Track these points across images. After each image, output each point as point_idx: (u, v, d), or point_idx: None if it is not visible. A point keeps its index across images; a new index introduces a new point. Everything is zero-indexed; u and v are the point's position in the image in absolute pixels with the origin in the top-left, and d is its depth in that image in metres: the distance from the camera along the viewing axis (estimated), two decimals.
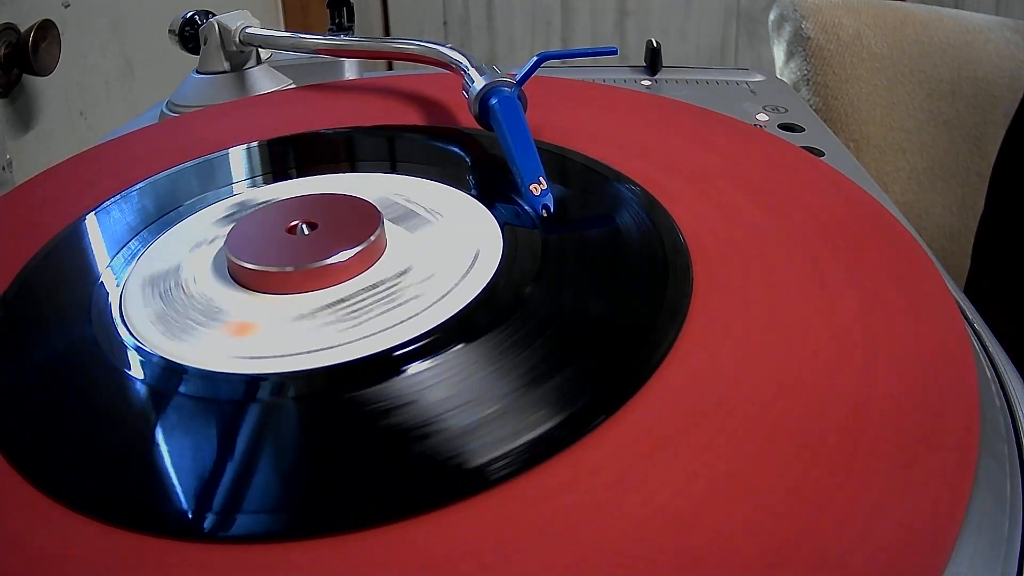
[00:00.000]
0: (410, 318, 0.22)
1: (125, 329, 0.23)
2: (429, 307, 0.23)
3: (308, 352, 0.22)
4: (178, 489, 0.18)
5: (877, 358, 0.20)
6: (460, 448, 0.18)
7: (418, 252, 0.26)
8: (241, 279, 0.25)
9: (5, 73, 0.56)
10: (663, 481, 0.17)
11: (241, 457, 0.19)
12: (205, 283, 0.25)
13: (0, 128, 0.56)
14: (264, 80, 0.45)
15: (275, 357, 0.22)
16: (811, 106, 0.67)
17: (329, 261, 0.24)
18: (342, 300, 0.24)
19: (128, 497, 0.18)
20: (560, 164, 0.30)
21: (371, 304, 0.23)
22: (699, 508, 0.17)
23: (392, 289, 0.24)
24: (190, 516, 0.17)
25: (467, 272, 0.24)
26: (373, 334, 0.22)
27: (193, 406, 0.21)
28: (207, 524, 0.17)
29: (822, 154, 0.39)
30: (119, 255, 0.27)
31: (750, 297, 0.23)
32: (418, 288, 0.24)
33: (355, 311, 0.23)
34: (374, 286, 0.24)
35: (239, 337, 0.22)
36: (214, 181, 0.32)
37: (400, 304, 0.23)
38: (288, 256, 0.25)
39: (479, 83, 0.32)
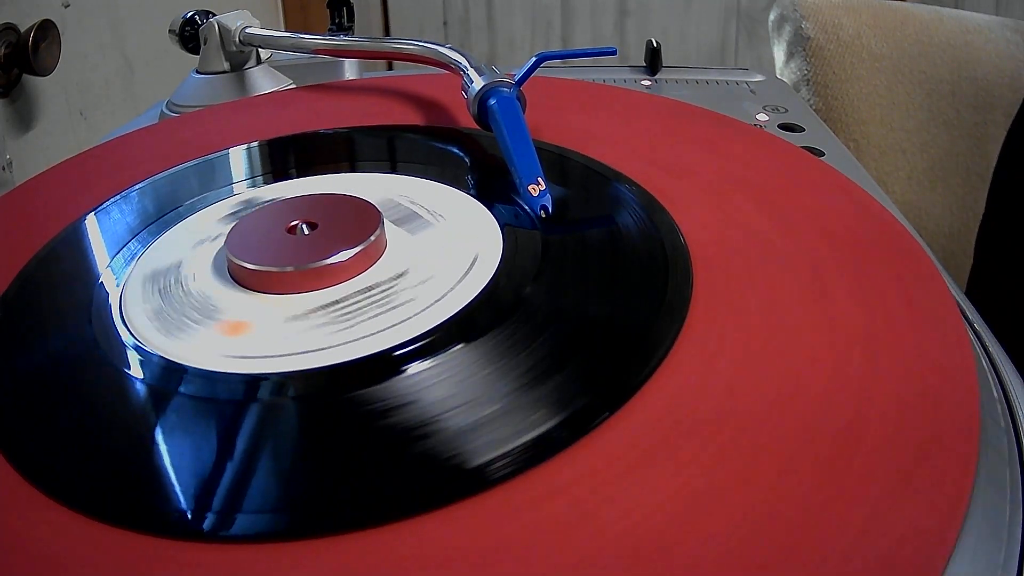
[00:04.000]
0: (416, 315, 0.23)
1: (125, 329, 0.23)
2: (435, 303, 0.23)
3: (314, 351, 0.22)
4: (177, 489, 0.18)
5: (877, 358, 0.20)
6: (460, 448, 0.18)
7: (418, 253, 0.26)
8: (240, 278, 0.25)
9: (5, 73, 0.56)
10: (663, 481, 0.17)
11: (241, 457, 0.19)
12: (204, 281, 0.25)
13: (0, 128, 0.56)
14: (264, 80, 0.45)
15: (282, 356, 0.22)
16: (811, 106, 0.67)
17: (329, 261, 0.24)
18: (346, 298, 0.24)
19: (128, 497, 0.18)
20: (559, 164, 0.30)
21: (365, 307, 0.23)
22: (700, 508, 0.17)
23: (387, 292, 0.24)
24: (189, 516, 0.17)
25: (470, 268, 0.24)
26: (380, 331, 0.22)
27: (193, 406, 0.21)
28: (206, 524, 0.17)
29: (822, 154, 0.39)
30: (119, 255, 0.27)
31: (750, 297, 0.23)
32: (412, 292, 0.24)
33: (360, 309, 0.23)
34: (378, 283, 0.24)
35: (232, 336, 0.22)
36: (214, 181, 0.32)
37: (393, 308, 0.23)
38: (288, 256, 0.25)
39: (478, 83, 0.32)
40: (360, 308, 0.23)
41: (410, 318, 0.23)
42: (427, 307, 0.23)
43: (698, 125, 0.34)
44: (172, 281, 0.25)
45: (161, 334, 0.23)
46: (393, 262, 0.25)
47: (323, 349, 0.22)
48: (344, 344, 0.22)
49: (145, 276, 0.26)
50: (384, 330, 0.22)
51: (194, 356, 0.22)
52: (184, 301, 0.24)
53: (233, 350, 0.22)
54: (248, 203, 0.29)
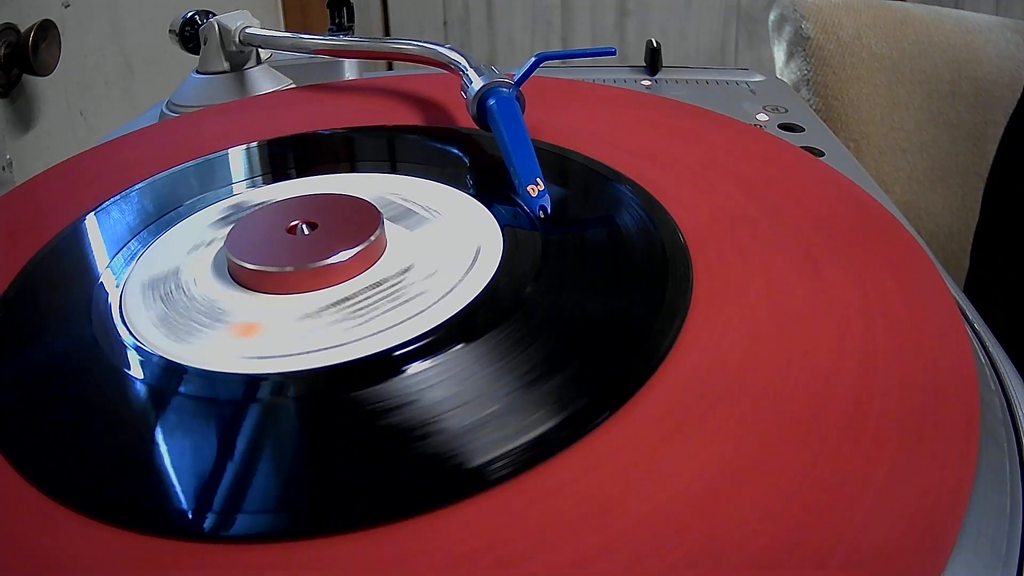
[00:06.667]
0: (417, 315, 0.23)
1: (126, 329, 0.23)
2: (435, 303, 0.23)
3: (315, 351, 0.22)
4: (179, 489, 0.18)
5: (877, 358, 0.20)
6: (460, 448, 0.18)
7: (419, 250, 0.26)
8: (242, 279, 0.25)
9: (5, 73, 0.56)
10: (664, 480, 0.17)
11: (241, 457, 0.19)
12: (206, 285, 0.25)
13: (0, 128, 0.56)
14: (264, 80, 0.45)
15: (282, 357, 0.22)
16: (811, 106, 0.67)
17: (330, 261, 0.24)
18: (347, 298, 0.24)
19: (129, 497, 0.18)
20: (559, 164, 0.30)
21: (376, 302, 0.23)
22: (700, 507, 0.17)
23: (396, 286, 0.24)
24: (191, 516, 0.17)
25: (470, 268, 0.24)
26: (380, 331, 0.22)
27: (193, 406, 0.21)
28: (208, 524, 0.17)
29: (822, 154, 0.39)
30: (119, 255, 0.27)
31: (750, 296, 0.23)
32: (422, 285, 0.24)
33: (360, 309, 0.23)
34: (378, 284, 0.24)
35: (245, 338, 0.22)
36: (214, 181, 0.32)
37: (405, 301, 0.23)
38: (288, 256, 0.25)
39: (477, 84, 0.32)
40: (373, 303, 0.23)
41: (426, 309, 0.23)
42: (441, 298, 0.23)
43: (697, 125, 0.34)
44: (173, 287, 0.25)
45: (161, 333, 0.23)
46: (396, 258, 0.25)
47: (323, 349, 0.22)
48: (344, 344, 0.22)
49: (144, 284, 0.25)
50: (402, 323, 0.22)
51: (192, 356, 0.22)
52: (189, 306, 0.24)
53: (234, 350, 0.22)
54: (238, 207, 0.29)
